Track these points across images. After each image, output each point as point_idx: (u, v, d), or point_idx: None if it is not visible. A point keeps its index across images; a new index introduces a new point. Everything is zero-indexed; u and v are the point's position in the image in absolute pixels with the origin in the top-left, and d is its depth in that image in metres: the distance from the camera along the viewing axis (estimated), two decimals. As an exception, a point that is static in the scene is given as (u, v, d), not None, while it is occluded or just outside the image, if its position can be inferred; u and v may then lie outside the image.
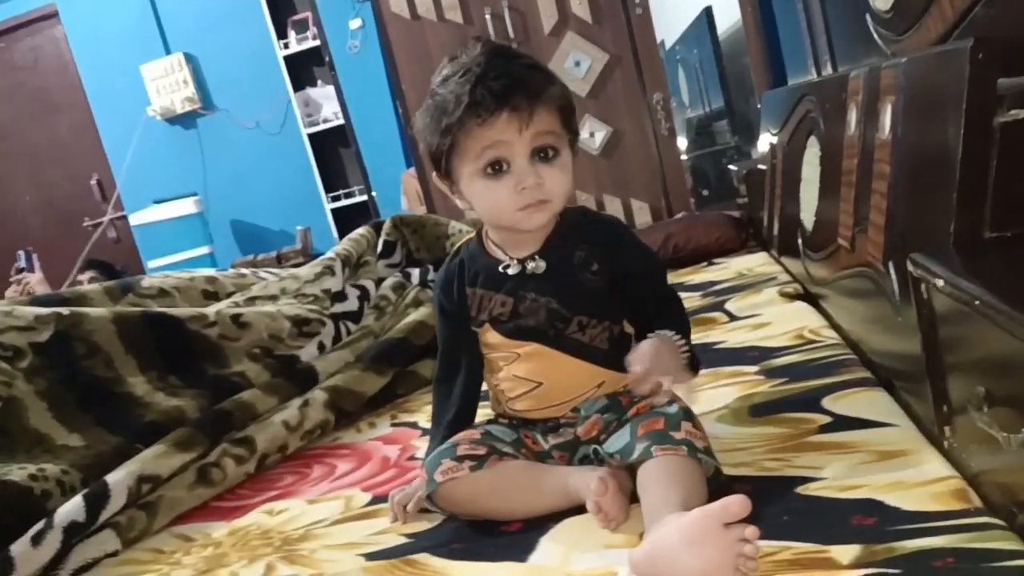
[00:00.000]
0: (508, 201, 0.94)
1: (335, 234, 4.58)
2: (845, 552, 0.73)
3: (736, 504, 0.72)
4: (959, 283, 0.76)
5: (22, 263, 3.37)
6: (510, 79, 0.91)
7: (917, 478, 0.84)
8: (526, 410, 1.01)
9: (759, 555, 0.73)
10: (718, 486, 0.89)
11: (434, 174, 1.01)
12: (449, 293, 1.04)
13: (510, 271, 0.99)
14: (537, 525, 0.93)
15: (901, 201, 1.03)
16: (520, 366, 1.00)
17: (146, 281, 1.86)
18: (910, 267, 0.89)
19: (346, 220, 4.52)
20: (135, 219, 4.70)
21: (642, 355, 0.91)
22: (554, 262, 0.99)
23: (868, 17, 1.48)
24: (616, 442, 0.93)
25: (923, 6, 1.16)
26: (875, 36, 1.51)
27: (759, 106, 2.58)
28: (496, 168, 0.94)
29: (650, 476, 0.86)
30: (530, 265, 0.99)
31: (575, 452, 1.00)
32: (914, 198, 1.00)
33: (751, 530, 0.72)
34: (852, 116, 1.26)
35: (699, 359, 1.02)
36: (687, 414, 0.93)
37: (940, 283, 0.80)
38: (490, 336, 1.01)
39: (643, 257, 1.04)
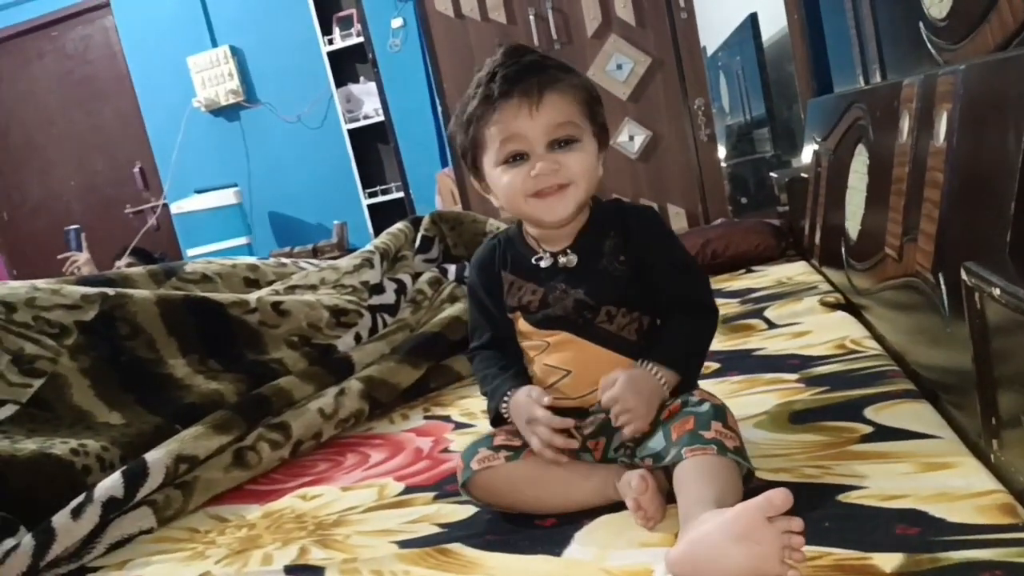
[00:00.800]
0: (521, 186, 0.95)
1: (371, 229, 4.61)
2: (888, 560, 0.72)
3: (779, 496, 0.71)
4: (1016, 292, 0.74)
5: (72, 241, 3.43)
6: (520, 66, 0.94)
7: (962, 490, 0.83)
8: (557, 400, 1.01)
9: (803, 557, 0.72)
10: (750, 490, 0.88)
11: (471, 176, 1.03)
12: (483, 271, 1.05)
13: (542, 263, 1.00)
14: (572, 520, 0.93)
15: (954, 210, 1.01)
16: (550, 355, 1.00)
17: (189, 266, 1.89)
18: (964, 276, 0.87)
19: (382, 216, 4.55)
20: (176, 208, 4.77)
21: (609, 387, 0.92)
22: (584, 254, 0.99)
23: (921, 25, 1.46)
24: (651, 446, 0.92)
25: (981, 14, 1.15)
26: (928, 44, 1.49)
27: (802, 115, 2.55)
28: (516, 158, 0.95)
29: (684, 477, 0.85)
30: (562, 260, 0.99)
31: (610, 441, 0.98)
32: (968, 207, 0.98)
33: (797, 522, 0.71)
34: (905, 124, 1.24)
35: (695, 384, 1.00)
36: (718, 412, 0.91)
37: (996, 292, 0.78)
38: (521, 324, 1.02)
39: (667, 248, 1.01)
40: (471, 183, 1.07)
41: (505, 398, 0.99)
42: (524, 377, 1.03)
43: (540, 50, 1.06)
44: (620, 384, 0.91)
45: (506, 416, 0.99)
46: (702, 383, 1.04)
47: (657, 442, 0.92)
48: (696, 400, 0.94)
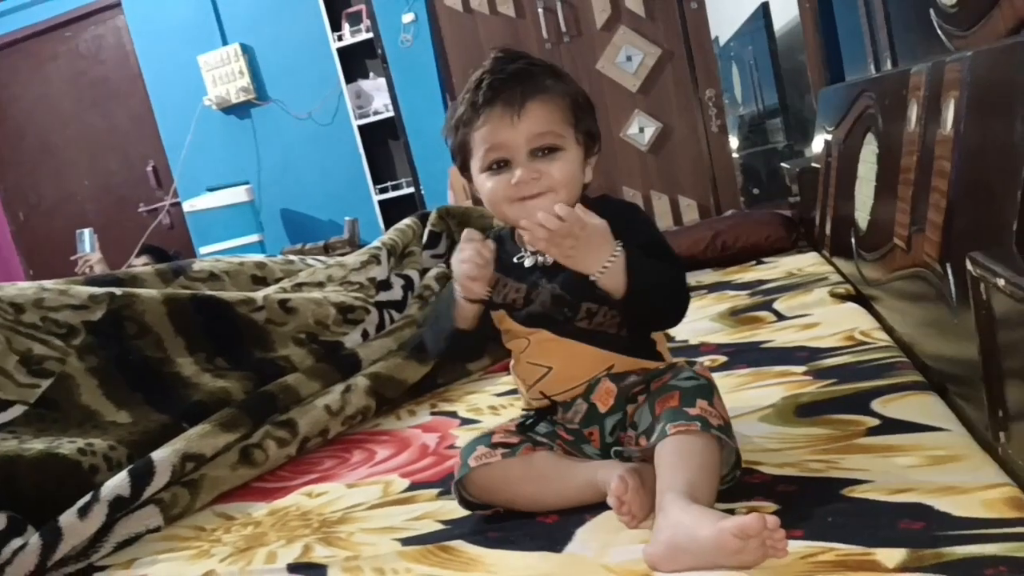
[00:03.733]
0: (503, 192, 0.96)
1: (382, 225, 4.61)
2: (891, 555, 0.71)
3: (752, 527, 0.72)
4: (1022, 283, 0.73)
5: (86, 242, 3.46)
6: (505, 74, 0.95)
7: (969, 484, 0.82)
8: (541, 399, 1.01)
9: (801, 552, 0.72)
10: (734, 478, 0.92)
11: (464, 176, 1.04)
12: None
13: (525, 263, 1.01)
14: (573, 517, 0.92)
15: (961, 200, 1.00)
16: (531, 353, 1.01)
17: (197, 265, 1.89)
18: (969, 266, 0.86)
19: (393, 212, 4.55)
20: (188, 206, 4.79)
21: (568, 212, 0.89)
22: None
23: (932, 12, 1.44)
24: (643, 420, 0.93)
25: (991, 1, 1.12)
26: (939, 32, 1.46)
27: (814, 105, 2.53)
28: (499, 166, 0.96)
29: (663, 458, 0.86)
30: (540, 258, 1.00)
31: (603, 428, 0.98)
32: (976, 196, 0.96)
33: (772, 519, 0.72)
34: (913, 112, 1.22)
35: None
36: (703, 390, 0.91)
37: (1001, 283, 0.77)
38: (506, 322, 1.02)
39: (641, 232, 0.98)
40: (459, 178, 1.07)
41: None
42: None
43: (533, 53, 1.05)
44: (574, 212, 0.90)
45: (457, 294, 0.98)
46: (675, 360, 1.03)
47: (645, 418, 0.92)
48: (685, 375, 0.94)
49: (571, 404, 1.00)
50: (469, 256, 0.94)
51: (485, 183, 0.98)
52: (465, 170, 1.02)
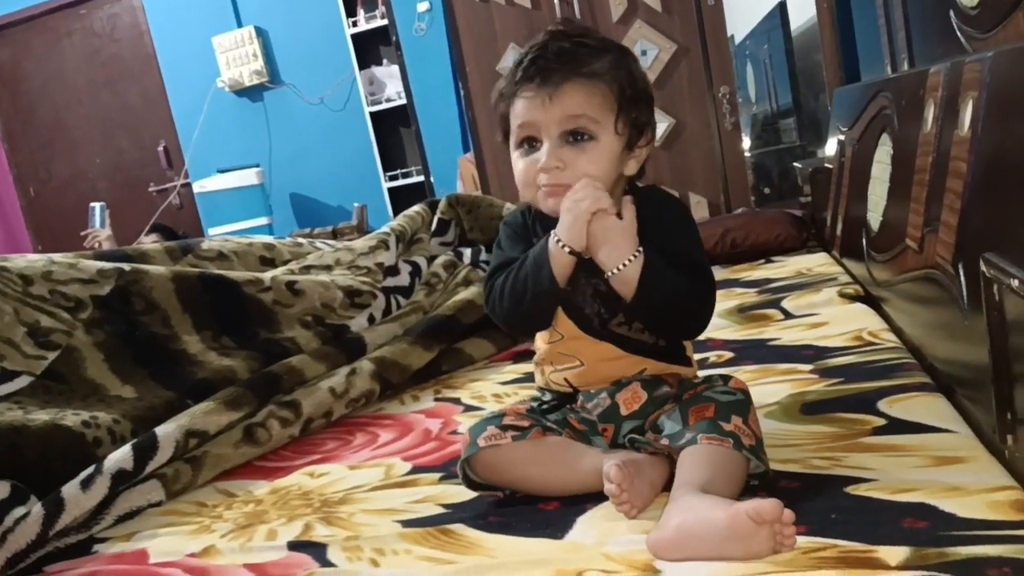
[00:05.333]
0: (530, 177, 0.94)
1: (391, 212, 4.62)
2: (894, 553, 0.71)
3: (769, 510, 0.73)
4: (1036, 284, 0.72)
5: (97, 217, 3.47)
6: (550, 52, 0.92)
7: (974, 486, 0.81)
8: (565, 386, 1.00)
9: (803, 548, 0.72)
10: (765, 486, 0.89)
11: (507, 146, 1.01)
12: (515, 233, 1.02)
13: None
14: (575, 505, 0.92)
15: (977, 201, 0.99)
16: (564, 345, 0.99)
17: (206, 244, 1.89)
18: (983, 267, 0.85)
19: (402, 200, 4.56)
20: (198, 187, 4.80)
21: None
22: None
23: (952, 13, 1.43)
24: (669, 425, 0.91)
25: (1014, 1, 1.11)
26: (958, 33, 1.45)
27: (829, 105, 2.51)
28: (530, 145, 0.94)
29: (689, 459, 0.86)
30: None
31: (619, 428, 0.98)
32: (991, 198, 0.96)
33: (788, 514, 0.73)
34: (929, 113, 1.22)
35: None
36: (740, 406, 0.90)
37: (1015, 284, 0.76)
38: None
39: (678, 240, 0.95)
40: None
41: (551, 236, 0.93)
42: None
43: (594, 30, 1.01)
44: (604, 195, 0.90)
45: (559, 243, 0.91)
46: (716, 371, 1.02)
47: (672, 424, 0.91)
48: (721, 388, 0.93)
49: (594, 395, 0.98)
50: (588, 192, 0.90)
51: (517, 162, 0.96)
52: (507, 142, 0.99)
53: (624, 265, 0.90)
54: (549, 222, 0.95)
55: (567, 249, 0.91)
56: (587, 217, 0.90)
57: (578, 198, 0.90)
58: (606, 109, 0.93)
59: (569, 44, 0.93)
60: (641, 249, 0.90)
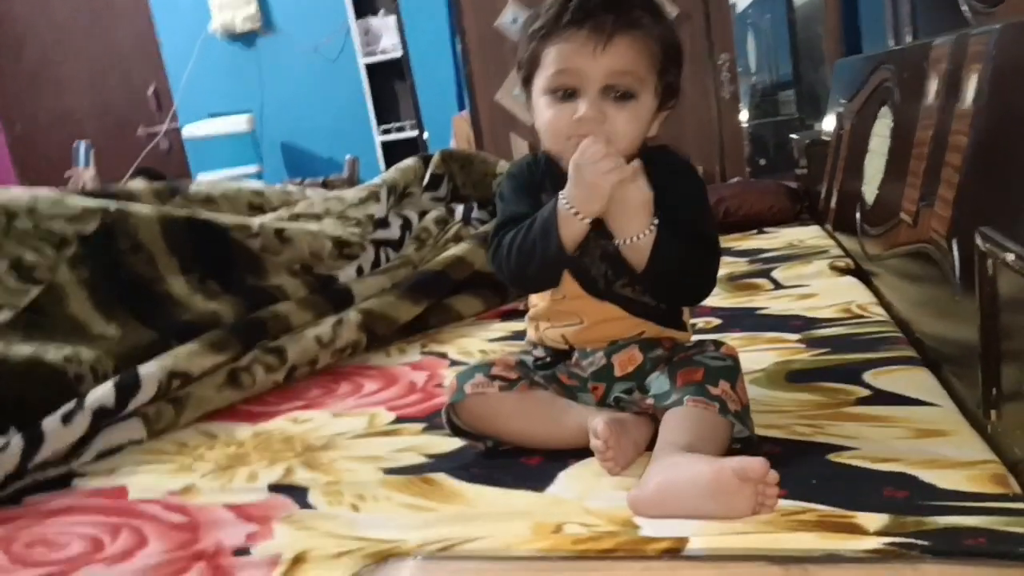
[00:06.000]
0: (564, 125, 0.89)
1: (382, 166, 4.56)
2: (872, 520, 0.71)
3: (756, 468, 0.73)
4: (1032, 258, 0.72)
5: (81, 154, 3.40)
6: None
7: (955, 458, 0.82)
8: (562, 343, 0.99)
9: (782, 511, 0.73)
10: (747, 451, 0.88)
11: (522, 89, 0.97)
12: (519, 185, 0.98)
13: None
14: (557, 461, 0.92)
15: (975, 175, 0.99)
16: (566, 303, 0.98)
17: (194, 186, 1.87)
18: (978, 241, 0.85)
19: (395, 154, 4.50)
20: (188, 131, 4.73)
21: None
22: None
23: (960, -14, 1.41)
24: (656, 385, 0.91)
25: (1024, -25, 1.10)
26: (963, 6, 1.44)
27: (828, 79, 2.49)
28: (565, 93, 0.89)
29: (669, 422, 0.86)
30: None
31: (610, 388, 0.97)
32: (989, 172, 0.95)
33: (772, 475, 0.74)
34: (932, 86, 1.21)
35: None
36: (729, 372, 0.90)
37: (1011, 258, 0.76)
38: None
39: (698, 215, 0.94)
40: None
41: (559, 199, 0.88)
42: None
43: None
44: (627, 167, 0.86)
45: (568, 207, 0.87)
46: (708, 337, 1.02)
47: (660, 385, 0.91)
48: (712, 352, 0.93)
49: (590, 354, 0.97)
50: (607, 163, 0.84)
51: (545, 109, 0.91)
52: (527, 85, 0.95)
53: (639, 237, 0.88)
54: (560, 178, 0.90)
55: (581, 217, 0.87)
56: (609, 188, 0.85)
57: (598, 165, 0.85)
58: (652, 68, 0.90)
59: None
60: (656, 222, 0.88)
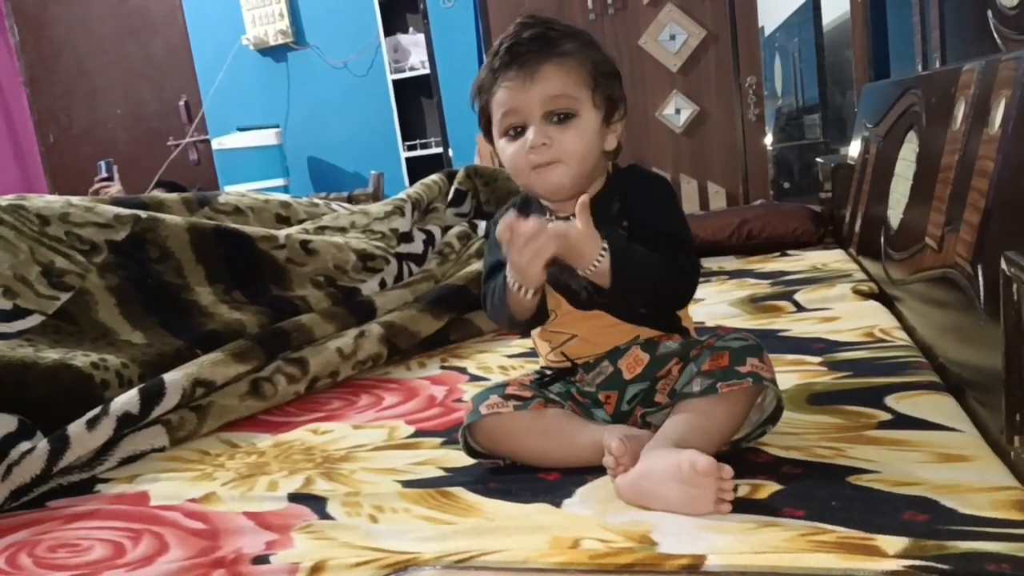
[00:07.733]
0: (522, 160, 0.96)
1: (407, 182, 4.60)
2: (892, 543, 0.71)
3: (725, 470, 0.79)
4: (1057, 284, 0.72)
5: (103, 172, 3.46)
6: (523, 39, 0.95)
7: (977, 483, 0.81)
8: (563, 360, 1.01)
9: (802, 531, 0.73)
10: (764, 432, 0.96)
11: (488, 141, 1.04)
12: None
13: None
14: (574, 476, 0.92)
15: (1001, 200, 0.98)
16: (556, 321, 1.01)
17: (223, 197, 1.90)
18: (1004, 265, 0.85)
19: (419, 170, 4.53)
20: (217, 144, 4.80)
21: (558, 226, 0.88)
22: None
23: (990, 13, 1.41)
24: (682, 380, 0.95)
25: (1054, 2, 1.10)
26: (995, 34, 1.43)
27: (855, 103, 2.49)
28: (516, 131, 0.96)
29: (672, 415, 0.91)
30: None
31: (623, 394, 0.99)
32: (1017, 197, 0.95)
33: (727, 470, 0.79)
34: (960, 111, 1.20)
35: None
36: (753, 349, 0.93)
37: (1035, 283, 0.76)
38: None
39: (660, 214, 0.98)
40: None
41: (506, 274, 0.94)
42: None
43: (576, 23, 1.05)
44: (563, 228, 0.88)
45: (512, 283, 0.93)
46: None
47: (684, 379, 0.94)
48: (732, 336, 0.96)
49: (594, 365, 1.00)
50: (534, 245, 0.87)
51: (505, 149, 0.98)
52: (489, 135, 1.02)
53: (595, 265, 0.90)
54: (535, 214, 0.97)
55: (524, 291, 0.92)
56: (538, 269, 0.89)
57: (522, 254, 0.88)
58: (583, 86, 0.96)
59: (539, 30, 0.96)
60: (606, 245, 0.90)
